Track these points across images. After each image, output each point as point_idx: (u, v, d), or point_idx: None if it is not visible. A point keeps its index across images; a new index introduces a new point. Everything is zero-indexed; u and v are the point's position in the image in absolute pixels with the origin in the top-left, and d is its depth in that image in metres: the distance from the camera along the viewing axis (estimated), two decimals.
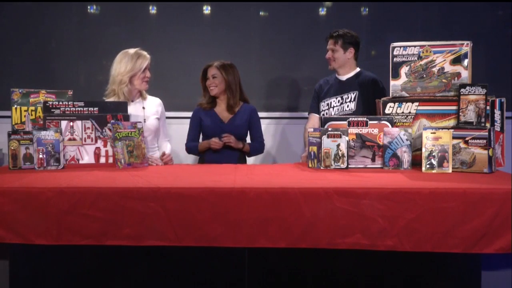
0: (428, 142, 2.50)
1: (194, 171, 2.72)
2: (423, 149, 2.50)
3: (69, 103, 2.75)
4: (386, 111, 2.70)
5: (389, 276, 2.24)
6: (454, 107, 2.62)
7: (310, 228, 1.98)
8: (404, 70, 2.71)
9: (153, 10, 4.33)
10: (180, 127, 3.85)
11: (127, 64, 3.04)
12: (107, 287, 2.26)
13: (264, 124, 3.80)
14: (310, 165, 2.66)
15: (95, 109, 2.76)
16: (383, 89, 3.26)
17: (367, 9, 4.35)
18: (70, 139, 2.73)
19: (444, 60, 2.67)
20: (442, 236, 1.96)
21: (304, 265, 2.23)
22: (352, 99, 3.36)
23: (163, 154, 3.07)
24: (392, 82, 2.74)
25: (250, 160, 3.64)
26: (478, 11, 4.27)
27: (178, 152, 4.01)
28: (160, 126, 3.22)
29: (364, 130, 2.63)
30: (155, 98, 3.23)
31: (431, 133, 2.51)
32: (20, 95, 2.81)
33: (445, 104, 2.64)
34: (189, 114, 3.58)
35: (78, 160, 2.74)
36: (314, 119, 3.46)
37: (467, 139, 2.49)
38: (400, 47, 2.72)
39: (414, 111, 2.67)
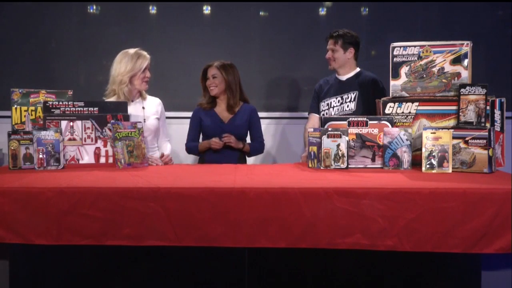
0: (428, 142, 2.50)
1: (194, 171, 2.72)
2: (423, 149, 2.50)
3: (69, 103, 2.75)
4: (386, 111, 2.70)
5: (389, 276, 2.24)
6: (454, 107, 2.62)
7: (310, 228, 1.98)
8: (404, 70, 2.71)
9: (153, 10, 4.33)
10: (180, 127, 3.85)
11: (127, 64, 3.04)
12: (107, 287, 2.26)
13: (264, 124, 3.80)
14: (310, 165, 2.66)
15: (95, 109, 2.76)
16: (383, 89, 3.26)
17: (367, 9, 4.35)
18: (70, 139, 2.73)
19: (444, 60, 2.67)
20: (442, 236, 1.96)
21: (304, 265, 2.23)
22: (352, 99, 3.36)
23: (162, 155, 3.07)
24: (392, 82, 2.74)
25: (250, 160, 3.64)
26: (478, 11, 4.27)
27: (178, 152, 4.01)
28: (160, 126, 3.22)
29: (364, 130, 2.63)
30: (155, 98, 3.23)
31: (431, 133, 2.51)
32: (20, 95, 2.81)
33: (445, 104, 2.64)
34: (189, 114, 3.58)
35: (78, 160, 2.74)
36: (314, 119, 3.46)
37: (467, 139, 2.49)
38: (400, 47, 2.72)
39: (414, 111, 2.67)
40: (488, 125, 2.53)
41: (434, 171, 2.48)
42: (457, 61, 2.66)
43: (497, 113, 2.59)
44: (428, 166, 2.49)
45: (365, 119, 2.64)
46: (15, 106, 2.80)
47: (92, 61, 4.30)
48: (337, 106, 3.39)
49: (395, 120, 2.65)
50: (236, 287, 2.23)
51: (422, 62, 2.69)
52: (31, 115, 2.81)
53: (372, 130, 2.62)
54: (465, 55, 2.65)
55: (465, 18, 4.30)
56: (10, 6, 4.24)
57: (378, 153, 2.61)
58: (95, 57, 4.27)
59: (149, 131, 3.11)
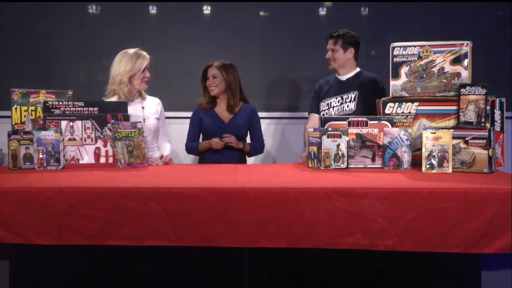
0: (428, 142, 2.50)
1: (194, 171, 2.72)
2: (423, 149, 2.50)
3: (69, 103, 2.75)
4: (386, 111, 2.70)
5: (389, 276, 2.24)
6: (454, 107, 2.62)
7: (310, 228, 1.98)
8: (404, 70, 2.71)
9: (153, 10, 4.33)
10: (180, 127, 3.85)
11: (126, 64, 3.04)
12: (107, 287, 2.26)
13: (264, 124, 3.80)
14: (310, 165, 2.66)
15: (95, 109, 2.76)
16: (383, 89, 3.26)
17: (367, 9, 4.35)
18: (70, 139, 2.73)
19: (444, 60, 2.67)
20: (442, 236, 1.96)
21: (304, 265, 2.23)
22: (352, 99, 3.36)
23: (161, 156, 3.06)
24: (392, 82, 2.74)
25: (250, 160, 3.64)
26: (478, 11, 4.27)
27: (178, 152, 4.01)
28: (160, 126, 3.22)
29: (364, 130, 2.63)
30: (154, 98, 3.23)
31: (431, 133, 2.51)
32: (20, 95, 2.81)
33: (445, 104, 2.64)
34: (189, 114, 3.58)
35: (78, 160, 2.74)
36: (314, 119, 3.46)
37: (467, 139, 2.49)
38: (400, 47, 2.72)
39: (414, 111, 2.67)
40: (488, 125, 2.53)
41: (434, 171, 2.48)
42: (457, 61, 2.66)
43: (497, 113, 2.59)
44: (428, 166, 2.49)
45: (365, 119, 2.64)
46: (15, 106, 2.80)
47: (92, 61, 4.30)
48: (337, 106, 3.39)
49: (395, 120, 2.65)
50: (236, 287, 2.23)
51: (422, 62, 2.69)
52: (31, 115, 2.81)
53: (372, 130, 2.62)
54: (465, 55, 2.65)
55: (465, 18, 4.30)
56: (10, 6, 4.24)
57: (378, 153, 2.61)
58: (95, 57, 4.26)
59: (148, 131, 3.11)
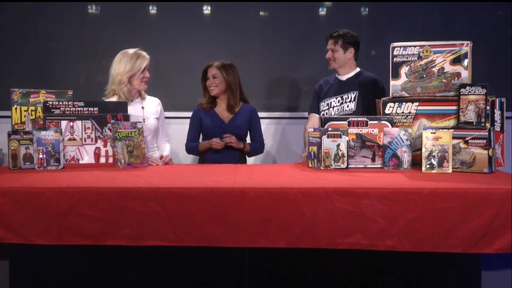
0: (428, 142, 2.50)
1: (194, 171, 2.72)
2: (423, 149, 2.50)
3: (69, 103, 2.75)
4: (386, 111, 2.70)
5: (389, 276, 2.24)
6: (454, 107, 2.62)
7: (310, 228, 1.98)
8: (404, 70, 2.71)
9: (153, 10, 4.33)
10: (180, 127, 3.85)
11: (126, 64, 3.04)
12: (107, 287, 2.26)
13: (264, 124, 3.80)
14: (310, 165, 2.66)
15: (95, 109, 2.76)
16: (383, 89, 3.26)
17: (367, 9, 4.35)
18: (70, 139, 2.73)
19: (444, 60, 2.67)
20: (442, 236, 1.96)
21: (304, 265, 2.23)
22: (352, 99, 3.36)
23: (161, 157, 3.06)
24: (392, 82, 2.74)
25: (250, 160, 3.64)
26: (478, 11, 4.27)
27: (178, 152, 4.01)
28: (159, 126, 3.22)
29: (364, 130, 2.63)
30: (154, 98, 3.23)
31: (431, 133, 2.51)
32: (20, 95, 2.81)
33: (445, 104, 2.64)
34: (189, 114, 3.58)
35: (78, 160, 2.74)
36: (314, 119, 3.46)
37: (467, 139, 2.49)
38: (400, 47, 2.72)
39: (414, 111, 2.67)
40: (488, 125, 2.53)
41: (434, 171, 2.48)
42: (457, 61, 2.66)
43: (497, 113, 2.59)
44: (428, 166, 2.49)
45: (365, 119, 2.64)
46: (15, 106, 2.80)
47: (92, 61, 4.30)
48: (337, 106, 3.39)
49: (395, 120, 2.65)
50: (236, 287, 2.23)
51: (422, 62, 2.69)
52: (31, 115, 2.81)
53: (372, 130, 2.62)
54: (465, 55, 2.65)
55: (465, 18, 4.30)
56: (10, 6, 4.24)
57: (378, 153, 2.61)
58: (95, 57, 4.26)
59: (148, 131, 3.11)
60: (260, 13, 4.36)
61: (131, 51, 3.08)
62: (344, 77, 3.43)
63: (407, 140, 2.56)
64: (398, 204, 1.97)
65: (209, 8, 4.32)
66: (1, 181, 2.17)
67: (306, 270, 2.24)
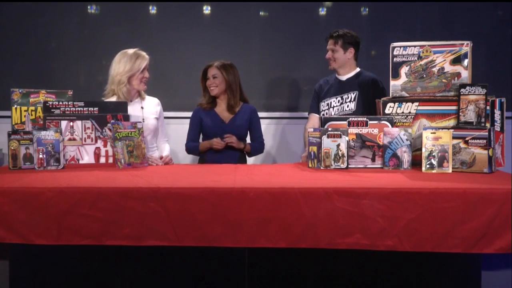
0: (428, 142, 2.50)
1: (194, 171, 2.72)
2: (423, 149, 2.50)
3: (69, 103, 2.75)
4: (386, 111, 2.70)
5: (389, 276, 2.24)
6: (454, 107, 2.62)
7: (310, 228, 1.98)
8: (404, 70, 2.71)
9: (153, 10, 4.33)
10: (179, 127, 3.85)
11: (126, 64, 3.04)
12: (107, 287, 2.26)
13: (264, 124, 3.81)
14: (310, 165, 2.66)
15: (95, 109, 2.76)
16: (383, 89, 3.26)
17: (367, 9, 4.35)
18: (70, 139, 2.73)
19: (444, 60, 2.67)
20: (442, 236, 1.96)
21: (304, 265, 2.23)
22: (352, 99, 3.36)
23: (161, 157, 3.06)
24: (392, 82, 2.74)
25: (250, 160, 3.64)
26: (478, 11, 4.27)
27: (177, 152, 4.01)
28: (159, 126, 3.22)
29: (364, 130, 2.63)
30: (153, 98, 3.23)
31: (431, 133, 2.51)
32: (20, 95, 2.81)
33: (445, 104, 2.64)
34: (189, 114, 3.58)
35: (78, 160, 2.74)
36: (314, 119, 3.46)
37: (467, 139, 2.49)
38: (400, 47, 2.72)
39: (414, 111, 2.67)
40: (488, 125, 2.53)
41: (434, 171, 2.48)
42: (457, 61, 2.66)
43: (497, 113, 2.59)
44: (428, 166, 2.49)
45: (365, 119, 2.64)
46: (15, 106, 2.80)
47: (92, 61, 4.30)
48: (337, 106, 3.39)
49: (395, 120, 2.65)
50: (236, 287, 2.23)
51: (422, 62, 2.69)
52: (31, 115, 2.81)
53: (372, 130, 2.62)
54: (465, 55, 2.65)
55: (465, 18, 4.30)
56: (10, 6, 4.24)
57: (378, 153, 2.61)
58: (95, 57, 4.27)
59: (148, 131, 3.11)
60: (260, 13, 4.36)
61: (130, 51, 3.08)
62: (344, 77, 3.43)
63: (407, 140, 2.56)
64: (398, 204, 1.97)
65: (209, 8, 4.32)
66: (1, 181, 2.17)
67: (306, 270, 2.24)
